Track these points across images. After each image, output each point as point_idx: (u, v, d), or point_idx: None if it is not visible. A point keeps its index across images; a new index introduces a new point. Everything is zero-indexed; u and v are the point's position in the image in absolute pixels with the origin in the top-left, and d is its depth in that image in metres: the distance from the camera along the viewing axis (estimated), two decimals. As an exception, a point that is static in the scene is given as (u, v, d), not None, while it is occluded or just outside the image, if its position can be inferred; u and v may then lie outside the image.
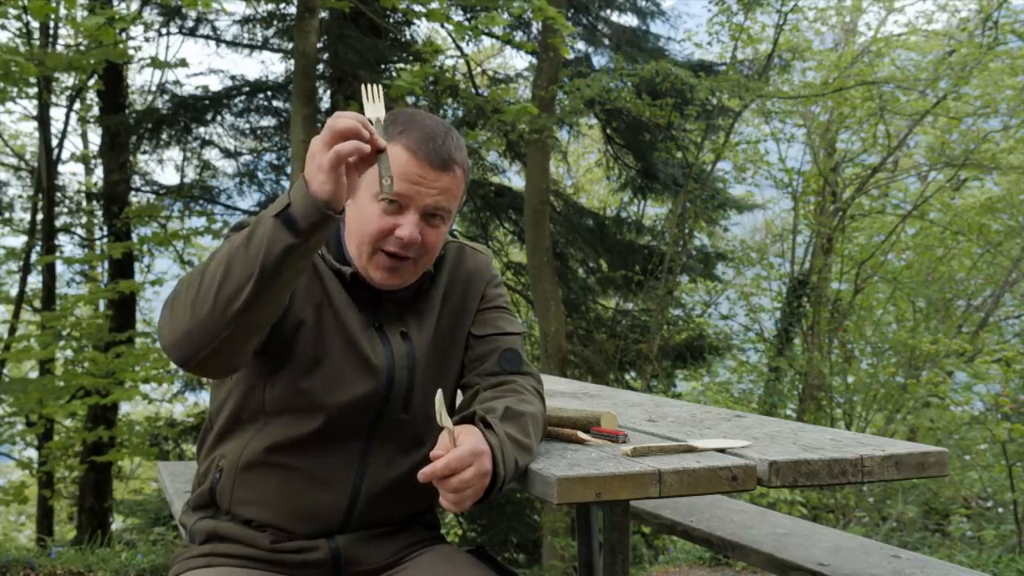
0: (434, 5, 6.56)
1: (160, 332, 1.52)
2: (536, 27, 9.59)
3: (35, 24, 9.84)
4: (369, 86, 1.53)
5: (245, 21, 10.68)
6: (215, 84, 15.55)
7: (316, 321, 1.68)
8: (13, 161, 13.19)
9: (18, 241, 11.61)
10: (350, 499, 1.69)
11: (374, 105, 1.51)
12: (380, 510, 1.72)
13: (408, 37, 9.89)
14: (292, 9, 10.01)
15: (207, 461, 1.78)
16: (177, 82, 10.87)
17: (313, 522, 1.70)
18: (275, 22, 10.69)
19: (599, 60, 10.90)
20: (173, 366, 9.93)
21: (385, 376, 1.70)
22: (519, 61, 17.75)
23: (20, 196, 12.51)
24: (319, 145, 1.40)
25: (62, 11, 7.04)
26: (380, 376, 1.69)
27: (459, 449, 1.45)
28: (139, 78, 12.94)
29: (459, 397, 1.86)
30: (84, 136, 13.30)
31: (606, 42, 10.91)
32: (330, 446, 1.67)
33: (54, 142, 10.87)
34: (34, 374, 11.47)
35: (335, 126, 1.39)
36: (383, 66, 9.57)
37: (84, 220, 12.34)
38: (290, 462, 1.68)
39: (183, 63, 7.13)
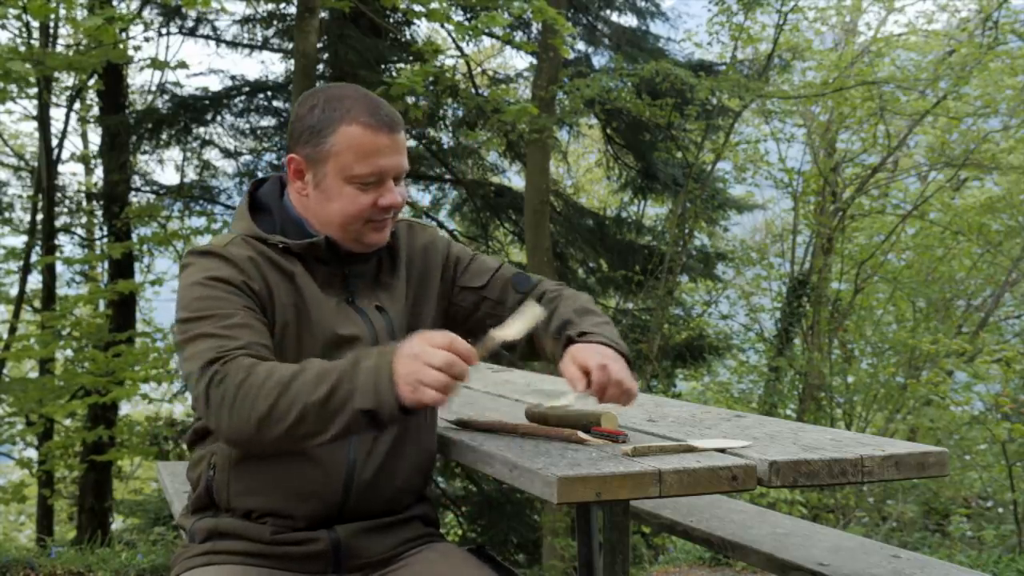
0: (434, 5, 6.56)
1: (215, 421, 1.57)
2: (536, 27, 9.59)
3: (35, 24, 9.84)
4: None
5: (245, 21, 10.67)
6: (215, 84, 15.57)
7: (295, 318, 1.71)
8: (13, 161, 13.19)
9: (18, 241, 11.61)
10: (347, 473, 1.71)
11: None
12: (379, 483, 1.74)
13: (408, 37, 9.88)
14: (292, 9, 10.00)
15: (199, 460, 1.79)
16: (177, 82, 10.87)
17: (313, 502, 1.70)
18: (275, 22, 10.69)
19: (599, 60, 10.90)
20: (173, 366, 9.95)
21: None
22: (519, 61, 17.77)
23: (20, 196, 12.52)
24: (430, 355, 1.45)
25: (62, 11, 7.04)
26: (364, 348, 1.71)
27: (611, 363, 1.66)
28: (139, 78, 12.94)
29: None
30: (84, 136, 13.31)
31: (606, 42, 10.90)
32: None
33: (54, 142, 10.87)
34: (34, 374, 11.46)
35: (456, 347, 1.46)
36: (383, 66, 9.57)
37: (84, 220, 12.34)
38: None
39: (183, 64, 7.12)
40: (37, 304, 11.24)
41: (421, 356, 1.45)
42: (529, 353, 1.96)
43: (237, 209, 1.85)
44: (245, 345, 1.60)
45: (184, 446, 10.74)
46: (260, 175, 11.49)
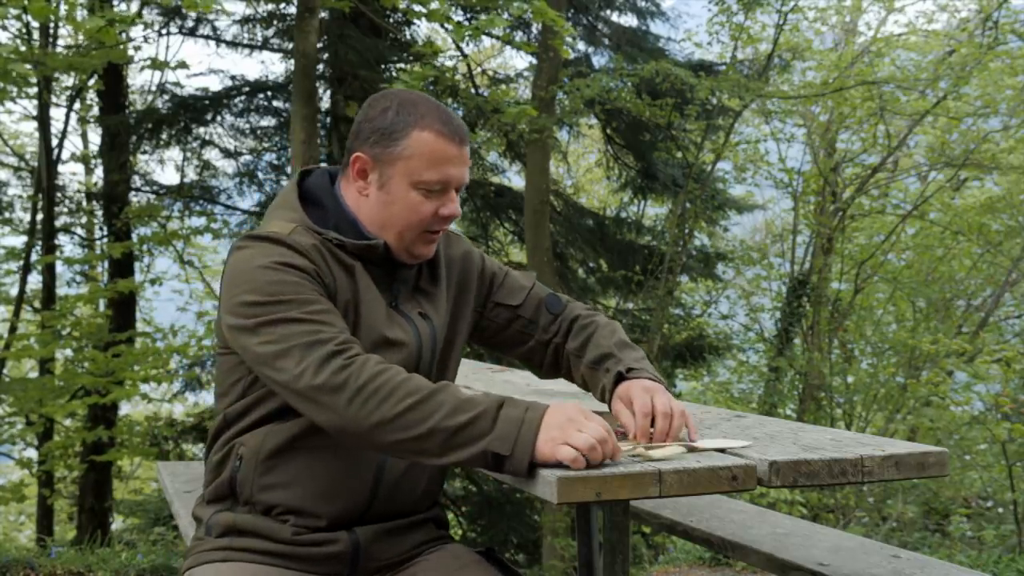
0: (434, 5, 6.55)
1: (329, 405, 1.52)
2: (536, 27, 9.59)
3: (35, 24, 9.84)
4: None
5: (245, 21, 10.67)
6: (215, 84, 15.58)
7: (350, 315, 1.70)
8: (13, 161, 13.19)
9: (18, 241, 11.61)
10: (375, 476, 1.71)
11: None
12: (403, 490, 1.75)
13: (408, 37, 9.88)
14: (292, 9, 10.00)
15: (223, 451, 1.75)
16: (177, 83, 10.87)
17: (339, 502, 1.70)
18: (275, 22, 10.68)
19: (599, 60, 10.90)
20: (173, 365, 9.95)
21: (415, 354, 1.75)
22: (519, 61, 17.77)
23: (20, 196, 12.51)
24: (586, 424, 1.47)
25: (62, 12, 7.03)
26: (409, 355, 1.73)
27: (659, 399, 1.69)
28: (139, 78, 12.93)
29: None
30: (84, 136, 13.30)
31: (606, 42, 10.90)
32: None
33: (54, 142, 10.87)
34: (34, 374, 11.47)
35: (606, 440, 1.47)
36: (383, 66, 9.57)
37: (84, 220, 12.34)
38: (316, 443, 1.67)
39: (183, 65, 7.12)
40: (37, 304, 11.24)
41: (576, 422, 1.47)
42: (554, 372, 1.99)
43: (282, 197, 1.79)
44: (350, 338, 1.58)
45: (184, 446, 10.75)
46: (260, 175, 11.52)
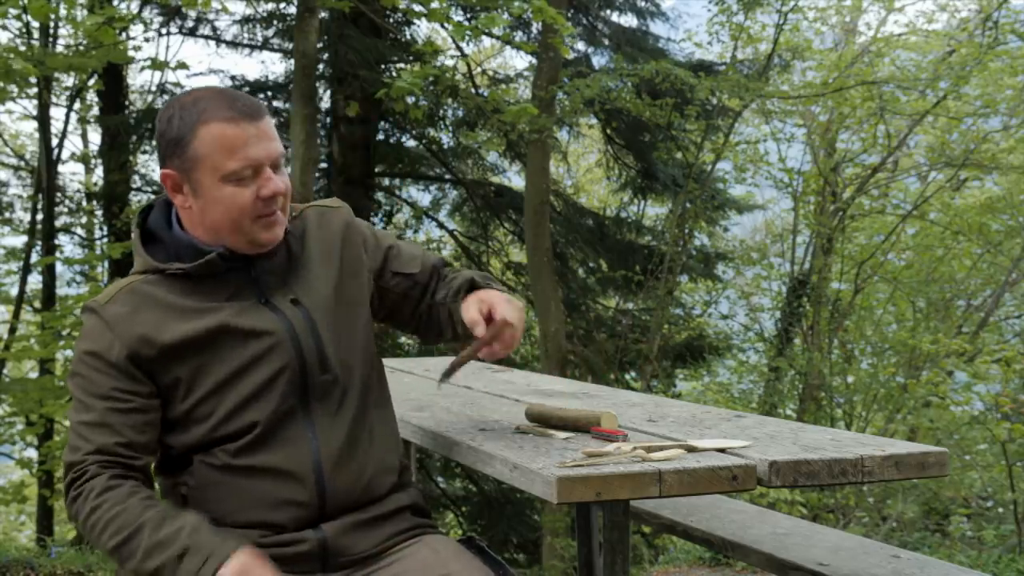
0: (434, 5, 6.55)
1: (82, 532, 1.71)
2: (536, 27, 9.59)
3: (35, 24, 9.84)
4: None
5: (245, 21, 10.68)
6: (215, 84, 15.52)
7: (210, 343, 1.70)
8: (13, 161, 13.19)
9: (18, 241, 11.62)
10: (316, 474, 1.70)
11: None
12: (350, 475, 1.74)
13: (408, 37, 9.89)
14: (292, 9, 10.01)
15: (169, 486, 1.80)
16: (177, 83, 10.87)
17: (292, 510, 1.70)
18: (275, 22, 10.69)
19: (599, 60, 10.90)
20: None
21: (292, 346, 1.72)
22: (519, 61, 17.73)
23: (20, 196, 12.51)
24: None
25: (62, 11, 7.04)
26: (287, 347, 1.72)
27: (501, 306, 1.75)
28: (139, 78, 12.93)
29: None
30: (84, 136, 13.31)
31: (606, 42, 10.90)
32: (275, 435, 1.69)
33: (54, 142, 10.88)
34: (34, 374, 11.46)
35: None
36: (383, 66, 9.57)
37: (84, 220, 12.34)
38: (246, 465, 1.69)
39: (182, 66, 7.12)
40: (37, 304, 11.24)
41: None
42: (433, 332, 1.97)
43: (132, 243, 1.82)
44: (95, 450, 1.65)
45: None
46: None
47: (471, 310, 1.77)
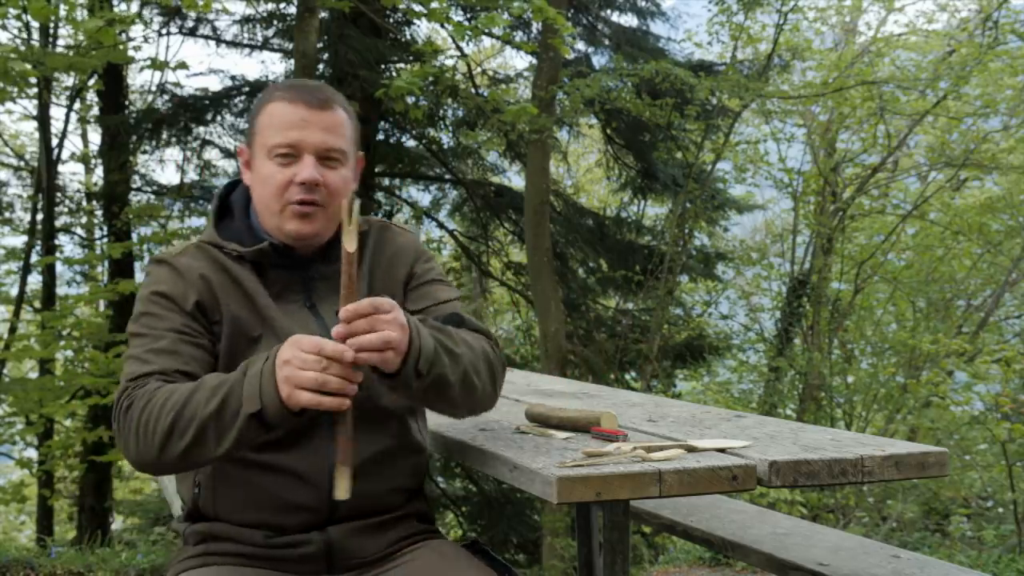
0: (434, 5, 6.55)
1: (122, 447, 1.59)
2: (536, 27, 9.59)
3: (35, 24, 9.84)
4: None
5: (245, 21, 10.66)
6: (215, 84, 15.57)
7: (248, 330, 1.70)
8: (13, 161, 13.18)
9: (18, 241, 11.61)
10: (329, 483, 1.67)
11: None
12: (362, 491, 1.70)
13: (408, 37, 9.88)
14: (292, 9, 10.00)
15: (185, 478, 1.80)
16: (177, 82, 10.87)
17: (300, 514, 1.70)
18: (275, 22, 10.68)
19: (599, 60, 10.90)
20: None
21: None
22: (519, 61, 17.76)
23: (20, 196, 12.51)
24: (304, 360, 1.43)
25: (62, 12, 7.03)
26: None
27: (373, 299, 1.50)
28: (139, 78, 12.92)
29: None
30: (84, 136, 13.31)
31: (606, 42, 10.90)
32: (298, 439, 1.68)
33: (54, 142, 10.87)
34: (34, 374, 11.46)
35: (323, 349, 1.43)
36: (383, 66, 9.57)
37: (84, 220, 12.34)
38: (263, 460, 1.68)
39: (183, 65, 7.12)
40: (37, 304, 11.23)
41: (293, 361, 1.44)
42: None
43: (209, 212, 1.84)
44: (158, 371, 1.61)
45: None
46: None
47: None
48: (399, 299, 1.81)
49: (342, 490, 1.50)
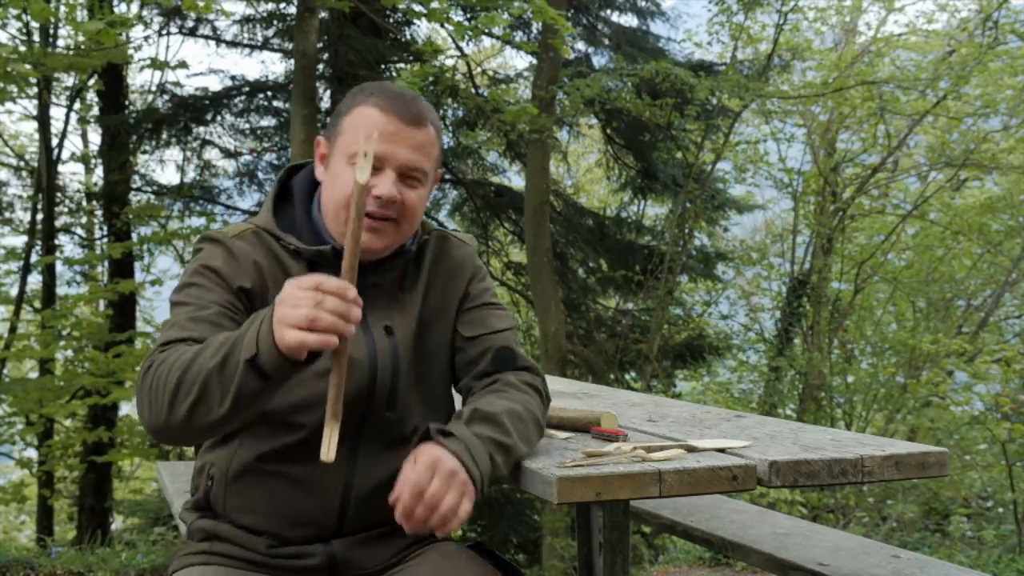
0: (434, 5, 6.55)
1: (139, 411, 1.52)
2: (536, 27, 9.59)
3: (35, 25, 9.84)
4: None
5: (245, 21, 10.67)
6: (215, 84, 15.54)
7: None
8: (13, 161, 13.18)
9: (18, 241, 11.61)
10: (341, 502, 1.67)
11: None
12: (373, 511, 1.69)
13: (408, 37, 9.88)
14: (292, 9, 10.00)
15: (199, 465, 1.77)
16: (177, 82, 10.87)
17: (306, 528, 1.68)
18: (275, 22, 10.68)
19: (599, 60, 10.90)
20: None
21: (368, 374, 1.66)
22: (519, 61, 17.74)
23: (20, 196, 12.50)
24: (298, 297, 1.33)
25: (62, 12, 7.04)
26: (362, 374, 1.65)
27: (413, 470, 1.45)
28: (139, 78, 12.95)
29: (458, 400, 1.82)
30: (84, 136, 13.30)
31: (606, 42, 10.90)
32: (314, 450, 1.62)
33: (54, 142, 10.87)
34: (34, 374, 11.47)
35: (322, 284, 1.32)
36: (383, 66, 9.57)
37: (84, 220, 12.34)
38: (279, 469, 1.66)
39: (183, 65, 7.12)
40: (37, 304, 11.24)
41: (287, 299, 1.34)
42: None
43: (267, 196, 1.78)
44: (194, 338, 1.53)
45: (183, 447, 10.75)
46: (260, 175, 11.54)
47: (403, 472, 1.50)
48: (450, 318, 1.77)
49: (328, 450, 1.36)
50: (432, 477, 1.44)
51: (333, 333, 1.32)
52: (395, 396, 1.69)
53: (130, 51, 8.57)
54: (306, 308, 1.31)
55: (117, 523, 11.37)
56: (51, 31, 10.43)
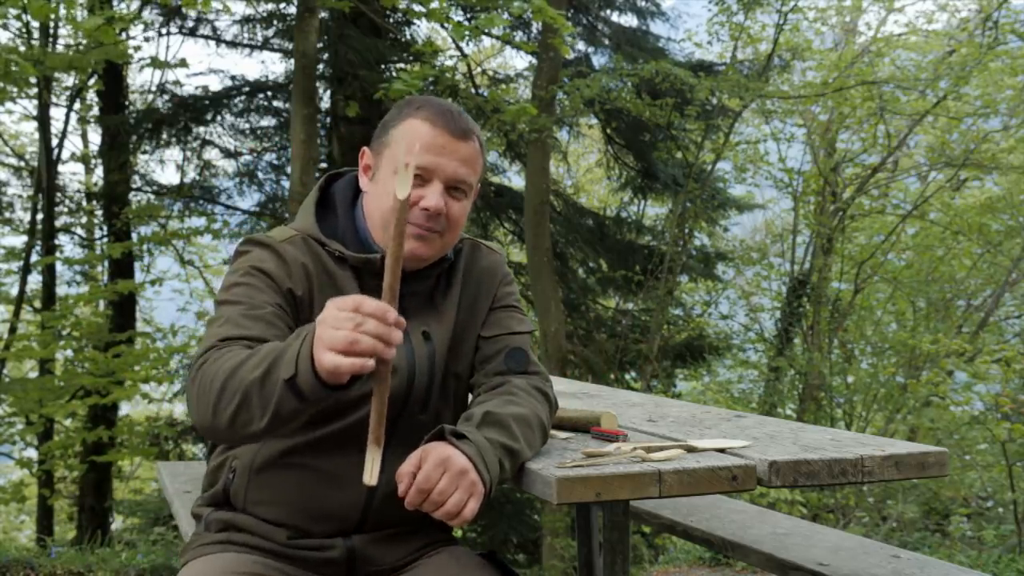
0: (434, 5, 6.55)
1: (189, 409, 1.53)
2: (536, 27, 9.59)
3: (35, 24, 9.84)
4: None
5: (245, 21, 10.67)
6: (215, 84, 15.55)
7: None
8: (13, 161, 13.18)
9: (18, 241, 11.61)
10: (366, 499, 1.69)
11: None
12: (395, 509, 1.68)
13: (408, 37, 9.88)
14: (292, 9, 10.01)
15: (219, 460, 1.78)
16: (177, 82, 10.87)
17: (329, 522, 1.70)
18: (275, 22, 10.68)
19: (599, 60, 10.90)
20: (173, 365, 9.95)
21: (406, 378, 1.69)
22: (519, 61, 17.73)
23: (20, 196, 12.50)
24: (338, 319, 1.32)
25: (62, 11, 7.04)
26: (401, 378, 1.68)
27: (425, 465, 1.46)
28: (139, 78, 12.94)
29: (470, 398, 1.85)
30: (84, 136, 13.30)
31: (606, 42, 10.90)
32: (347, 447, 1.65)
33: (54, 142, 10.87)
34: (34, 374, 11.46)
35: (361, 305, 1.31)
36: (383, 66, 9.57)
37: (84, 220, 12.34)
38: (307, 462, 1.68)
39: (183, 63, 7.14)
40: (37, 304, 11.23)
41: (327, 320, 1.33)
42: None
43: (306, 200, 1.79)
44: (254, 337, 1.53)
45: (184, 446, 10.75)
46: (260, 175, 11.54)
47: (412, 457, 1.51)
48: (479, 322, 1.80)
49: (371, 475, 1.36)
50: (442, 474, 1.46)
51: (372, 356, 1.31)
52: (429, 399, 1.73)
53: (130, 51, 8.55)
54: (346, 331, 1.30)
55: (117, 523, 11.37)
56: (51, 31, 10.43)
